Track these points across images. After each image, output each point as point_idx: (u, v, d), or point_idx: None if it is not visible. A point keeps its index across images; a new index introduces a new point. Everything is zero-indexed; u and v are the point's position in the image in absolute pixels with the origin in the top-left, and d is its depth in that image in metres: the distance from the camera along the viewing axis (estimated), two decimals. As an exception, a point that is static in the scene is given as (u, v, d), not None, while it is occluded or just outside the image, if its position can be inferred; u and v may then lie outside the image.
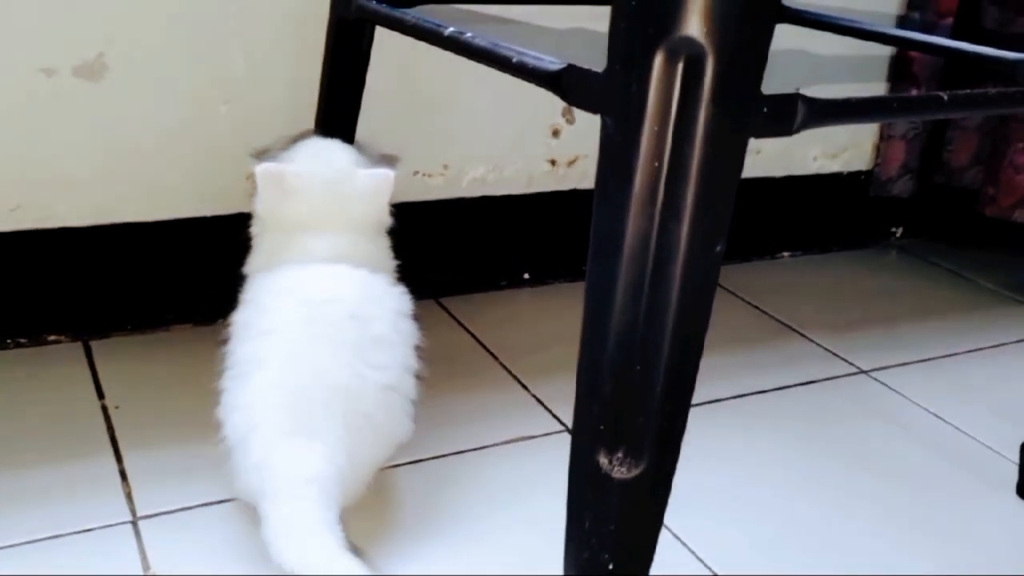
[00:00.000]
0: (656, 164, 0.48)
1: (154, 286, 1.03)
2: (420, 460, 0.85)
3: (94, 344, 1.00)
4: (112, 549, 0.72)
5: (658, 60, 0.47)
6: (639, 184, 0.49)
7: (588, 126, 1.06)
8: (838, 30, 0.99)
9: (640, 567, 0.55)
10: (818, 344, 1.15)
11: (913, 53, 1.32)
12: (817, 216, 1.43)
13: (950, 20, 1.29)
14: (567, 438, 0.89)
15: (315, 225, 0.77)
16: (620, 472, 0.52)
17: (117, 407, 0.89)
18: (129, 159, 0.98)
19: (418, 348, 0.76)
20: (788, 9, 1.02)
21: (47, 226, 0.97)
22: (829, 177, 1.40)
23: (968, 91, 0.66)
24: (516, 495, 0.82)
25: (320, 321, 0.71)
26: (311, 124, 0.95)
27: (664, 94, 0.48)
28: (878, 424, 0.99)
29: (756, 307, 1.23)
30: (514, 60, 0.60)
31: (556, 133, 1.19)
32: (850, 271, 1.39)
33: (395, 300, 0.76)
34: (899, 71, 1.36)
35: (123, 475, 0.80)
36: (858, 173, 1.42)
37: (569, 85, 0.55)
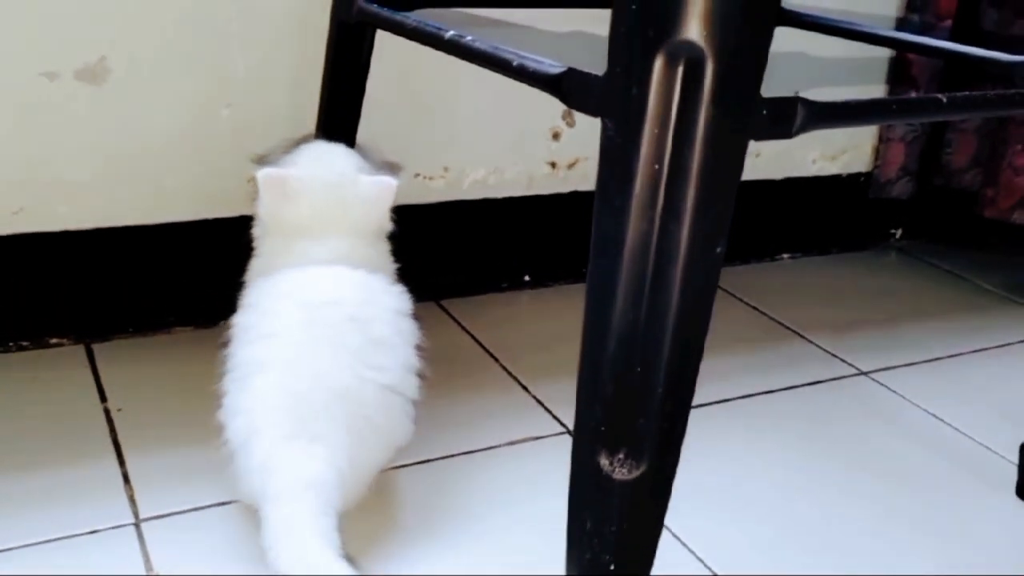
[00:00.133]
0: (656, 167, 0.49)
1: (156, 289, 1.03)
2: (421, 461, 0.85)
3: (96, 347, 1.00)
4: (115, 551, 0.72)
5: (658, 63, 0.48)
6: (639, 186, 0.49)
7: (588, 128, 1.06)
8: (837, 33, 0.99)
9: (641, 567, 0.55)
10: (818, 345, 1.15)
11: (912, 55, 1.33)
12: (817, 218, 1.43)
13: (949, 22, 1.29)
14: (568, 439, 0.90)
15: (316, 229, 0.77)
16: (621, 473, 0.52)
17: (119, 410, 0.90)
18: (131, 162, 0.98)
19: (419, 348, 0.76)
20: (787, 12, 1.02)
21: (49, 229, 0.97)
22: (828, 179, 1.41)
23: (967, 93, 0.66)
24: (517, 496, 0.83)
25: (320, 324, 0.71)
26: (312, 128, 0.95)
27: (664, 97, 0.48)
28: (878, 425, 0.99)
29: (756, 309, 1.23)
30: (515, 63, 0.60)
31: (556, 135, 1.19)
32: (850, 272, 1.39)
33: (394, 299, 0.76)
34: (898, 73, 1.36)
35: (126, 477, 0.81)
36: (857, 175, 1.43)
37: (570, 88, 0.55)
